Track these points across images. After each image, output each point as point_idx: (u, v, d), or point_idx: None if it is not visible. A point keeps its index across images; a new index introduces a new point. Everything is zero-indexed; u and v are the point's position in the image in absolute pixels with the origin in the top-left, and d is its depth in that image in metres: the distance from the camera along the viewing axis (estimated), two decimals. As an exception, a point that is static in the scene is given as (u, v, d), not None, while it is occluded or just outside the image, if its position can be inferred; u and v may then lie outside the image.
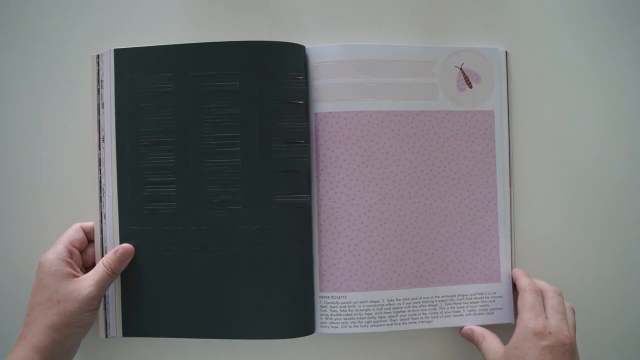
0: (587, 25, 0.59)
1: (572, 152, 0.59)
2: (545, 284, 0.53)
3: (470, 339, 0.55)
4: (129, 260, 0.53)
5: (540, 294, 0.52)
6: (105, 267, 0.51)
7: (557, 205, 0.58)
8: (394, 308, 0.55)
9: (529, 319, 0.49)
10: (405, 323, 0.55)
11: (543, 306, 0.51)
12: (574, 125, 0.59)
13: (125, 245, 0.53)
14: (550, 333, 0.48)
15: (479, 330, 0.54)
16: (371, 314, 0.55)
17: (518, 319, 0.50)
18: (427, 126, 0.56)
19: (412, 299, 0.55)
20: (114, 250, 0.52)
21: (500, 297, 0.56)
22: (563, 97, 0.58)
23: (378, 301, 0.55)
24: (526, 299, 0.51)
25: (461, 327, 0.56)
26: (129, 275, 0.53)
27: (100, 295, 0.50)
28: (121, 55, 0.53)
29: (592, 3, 0.59)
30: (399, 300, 0.55)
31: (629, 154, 0.59)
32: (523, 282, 0.53)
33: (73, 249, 0.51)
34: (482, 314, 0.55)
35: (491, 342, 0.52)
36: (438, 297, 0.55)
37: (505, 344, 0.51)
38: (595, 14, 0.59)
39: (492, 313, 0.56)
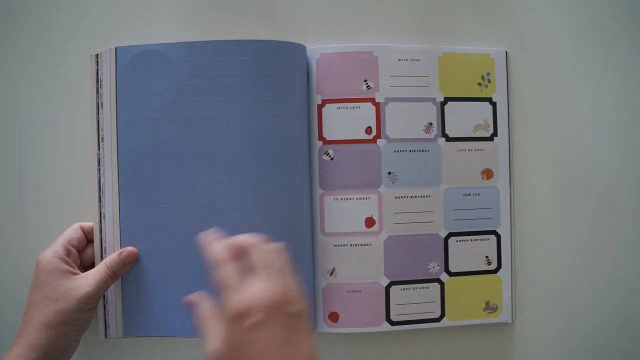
0: (586, 26, 0.59)
1: (572, 152, 0.59)
2: (245, 238, 0.44)
3: (192, 308, 0.46)
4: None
5: (237, 257, 0.43)
6: (108, 268, 0.51)
7: (557, 205, 0.58)
8: None
9: (224, 302, 0.40)
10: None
11: (246, 271, 0.42)
12: (574, 125, 0.59)
13: (130, 248, 0.52)
14: (251, 307, 0.39)
15: (208, 311, 0.44)
16: None
17: None
18: None
19: None
20: (118, 252, 0.52)
21: None
22: (563, 98, 0.59)
23: None
24: (216, 277, 0.42)
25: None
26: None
27: (99, 295, 0.50)
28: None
29: (591, 4, 0.59)
30: None
31: (628, 154, 0.59)
32: (210, 255, 0.44)
33: (71, 247, 0.51)
34: None
35: (215, 330, 0.42)
36: None
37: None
38: (594, 15, 0.59)
39: None
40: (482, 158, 0.57)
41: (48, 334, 0.47)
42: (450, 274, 0.56)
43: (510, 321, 0.57)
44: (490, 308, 0.56)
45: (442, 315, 0.56)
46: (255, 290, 0.40)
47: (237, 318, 0.39)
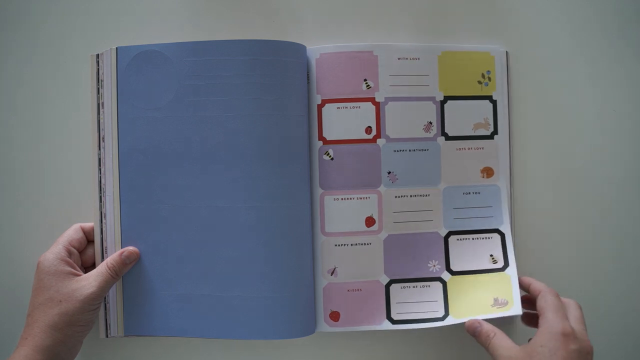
0: (587, 25, 0.59)
1: (573, 152, 0.58)
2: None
3: (476, 333, 0.51)
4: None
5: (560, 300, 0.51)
6: (109, 268, 0.51)
7: (557, 205, 0.58)
8: None
9: (555, 320, 0.48)
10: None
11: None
12: (575, 125, 0.58)
13: (131, 248, 0.53)
14: (576, 338, 0.47)
15: (488, 326, 0.51)
16: None
17: (542, 319, 0.49)
18: None
19: None
20: (119, 252, 0.52)
21: None
22: (563, 98, 0.58)
23: None
24: (550, 300, 0.50)
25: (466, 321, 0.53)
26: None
27: (101, 295, 0.50)
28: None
29: (592, 3, 0.59)
30: None
31: (628, 153, 0.59)
32: (540, 284, 0.52)
33: (72, 248, 0.51)
34: None
35: (504, 339, 0.49)
36: None
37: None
38: (595, 14, 0.59)
39: None
40: (482, 156, 0.57)
41: (53, 335, 0.47)
42: (453, 273, 0.56)
43: (521, 313, 0.53)
44: (500, 303, 0.54)
45: (446, 314, 0.55)
46: (579, 327, 0.49)
47: (564, 336, 0.47)
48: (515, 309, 0.53)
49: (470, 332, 0.52)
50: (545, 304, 0.49)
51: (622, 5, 0.59)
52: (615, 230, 0.58)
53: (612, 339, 0.58)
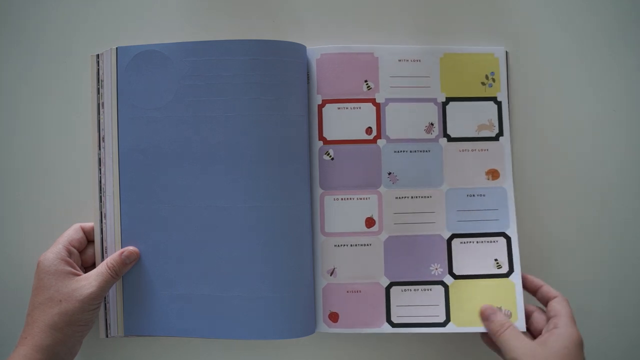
0: (586, 25, 0.58)
1: (572, 152, 0.58)
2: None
3: (490, 319, 0.52)
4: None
5: None
6: (109, 268, 0.51)
7: (557, 205, 0.57)
8: None
9: (574, 328, 0.49)
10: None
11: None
12: (575, 125, 0.58)
13: (131, 248, 0.53)
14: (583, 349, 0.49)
15: (503, 317, 0.52)
16: None
17: (558, 321, 0.49)
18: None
19: None
20: (119, 252, 0.52)
21: None
22: (563, 98, 0.58)
23: None
24: (566, 307, 0.50)
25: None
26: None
27: (101, 295, 0.50)
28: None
29: (592, 3, 0.58)
30: None
31: (629, 153, 0.58)
32: (553, 289, 0.52)
33: (72, 248, 0.52)
34: None
35: (519, 333, 0.50)
36: None
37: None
38: (595, 15, 0.58)
39: None
40: (487, 158, 0.56)
41: (53, 335, 0.48)
42: (455, 277, 0.55)
43: (525, 329, 0.53)
44: (504, 315, 0.53)
45: (448, 320, 0.54)
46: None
47: (581, 346, 0.48)
48: (519, 323, 0.53)
49: (483, 317, 0.52)
50: (563, 309, 0.50)
51: (622, 5, 0.58)
52: (616, 231, 0.57)
53: (614, 340, 0.57)
